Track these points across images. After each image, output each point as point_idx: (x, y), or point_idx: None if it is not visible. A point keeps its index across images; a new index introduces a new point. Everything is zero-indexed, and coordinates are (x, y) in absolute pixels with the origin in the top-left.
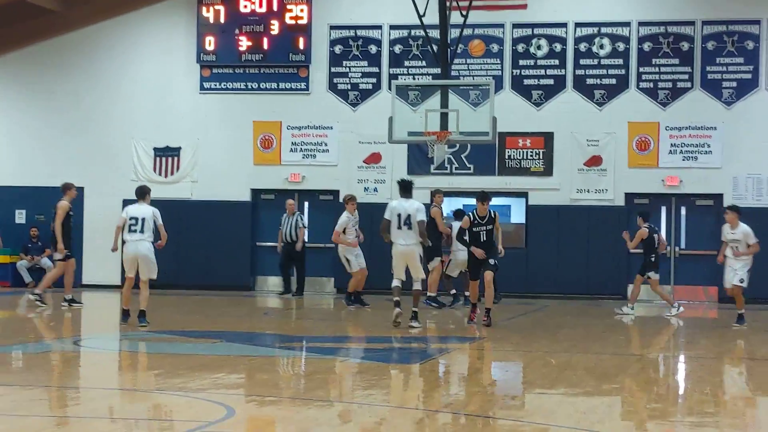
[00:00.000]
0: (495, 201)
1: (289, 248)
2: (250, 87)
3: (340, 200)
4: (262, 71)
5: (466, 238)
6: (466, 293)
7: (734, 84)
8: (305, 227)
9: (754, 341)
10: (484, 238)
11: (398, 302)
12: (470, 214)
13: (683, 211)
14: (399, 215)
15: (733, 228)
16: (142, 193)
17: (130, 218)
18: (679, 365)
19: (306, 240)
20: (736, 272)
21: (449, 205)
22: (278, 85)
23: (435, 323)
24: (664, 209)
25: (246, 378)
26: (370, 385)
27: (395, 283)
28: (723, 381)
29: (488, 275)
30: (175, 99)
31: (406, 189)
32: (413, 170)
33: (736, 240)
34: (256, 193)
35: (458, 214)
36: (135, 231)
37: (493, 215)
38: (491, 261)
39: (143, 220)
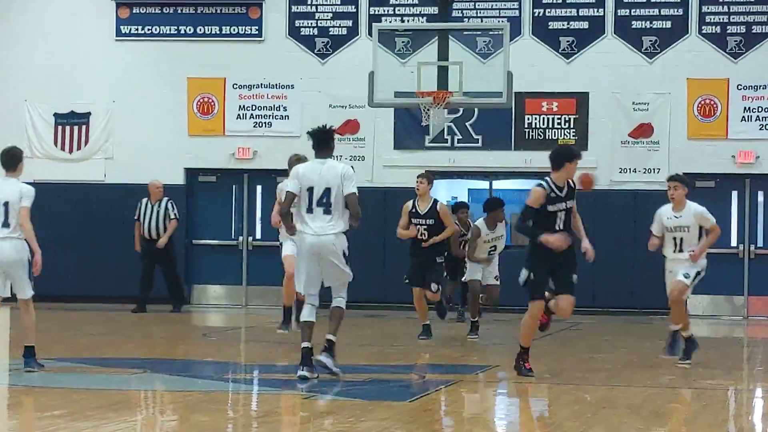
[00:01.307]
0: (512, 184)
1: (152, 246)
2: (183, 32)
3: None
4: (199, 11)
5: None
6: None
7: None
8: (177, 218)
9: None
10: (561, 225)
11: (308, 351)
12: (545, 182)
13: (760, 196)
14: (311, 188)
15: (678, 210)
16: (11, 159)
17: None
18: (755, 402)
19: (170, 237)
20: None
21: (449, 191)
22: (221, 30)
23: (432, 346)
24: (735, 194)
25: (178, 420)
26: (342, 430)
27: (305, 312)
28: None
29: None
30: (83, 49)
31: (322, 143)
32: (402, 143)
33: (682, 227)
34: (191, 174)
35: (459, 208)
36: None
37: (574, 185)
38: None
39: (6, 205)
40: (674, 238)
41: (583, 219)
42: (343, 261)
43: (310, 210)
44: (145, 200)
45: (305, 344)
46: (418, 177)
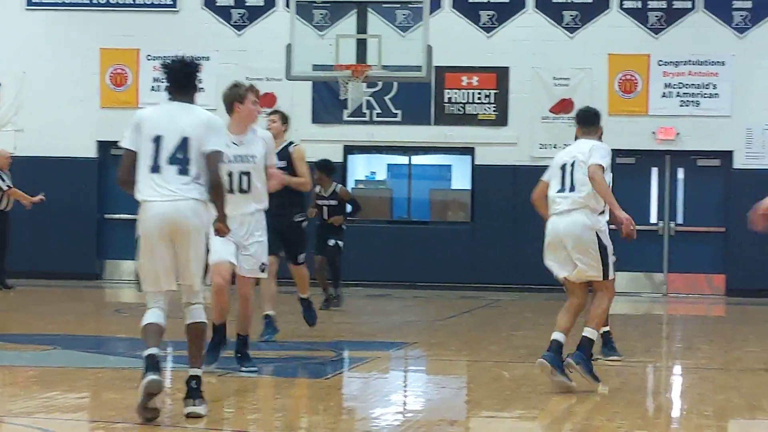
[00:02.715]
0: (431, 159)
1: None
2: (95, 2)
3: None
4: None
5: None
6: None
7: (749, 4)
8: (9, 189)
9: None
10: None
11: (155, 363)
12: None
13: (680, 173)
14: (158, 138)
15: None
16: None
17: None
18: (672, 379)
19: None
20: None
21: (368, 166)
22: (134, 0)
23: (348, 323)
24: (655, 171)
25: (90, 398)
26: (255, 408)
27: (150, 316)
28: (731, 399)
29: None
30: None
31: (183, 81)
32: (320, 117)
33: None
34: (104, 146)
35: (324, 168)
36: None
37: None
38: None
39: None
40: None
41: (504, 195)
42: (204, 244)
43: (156, 167)
44: None
45: (150, 351)
46: (269, 114)
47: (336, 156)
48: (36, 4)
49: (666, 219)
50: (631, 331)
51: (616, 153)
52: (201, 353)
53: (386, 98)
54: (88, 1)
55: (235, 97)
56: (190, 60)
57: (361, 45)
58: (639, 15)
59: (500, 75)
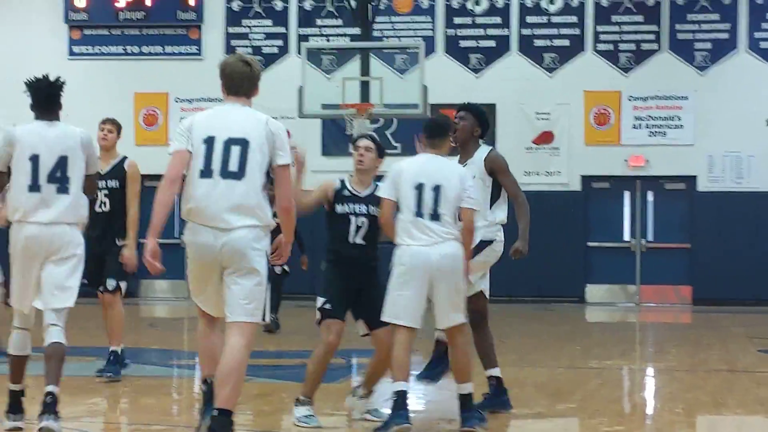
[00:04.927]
0: None
1: None
2: (129, 52)
3: None
4: (144, 33)
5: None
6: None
7: (708, 45)
8: None
9: (734, 350)
10: None
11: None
12: None
13: (650, 196)
14: (35, 158)
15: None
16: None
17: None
18: (646, 380)
19: None
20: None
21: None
22: (164, 50)
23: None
24: (627, 194)
25: (129, 403)
26: (276, 409)
27: (18, 342)
28: (698, 397)
29: None
30: (38, 67)
31: (49, 99)
32: (329, 150)
33: None
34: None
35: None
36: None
37: None
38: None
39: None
40: None
41: None
42: (73, 264)
43: (35, 187)
44: None
45: (16, 386)
46: (102, 123)
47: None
48: (77, 54)
49: (638, 236)
50: (608, 337)
51: (592, 179)
52: (59, 372)
53: (387, 133)
54: (124, 52)
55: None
56: (55, 79)
57: (365, 86)
58: (611, 56)
59: (488, 111)
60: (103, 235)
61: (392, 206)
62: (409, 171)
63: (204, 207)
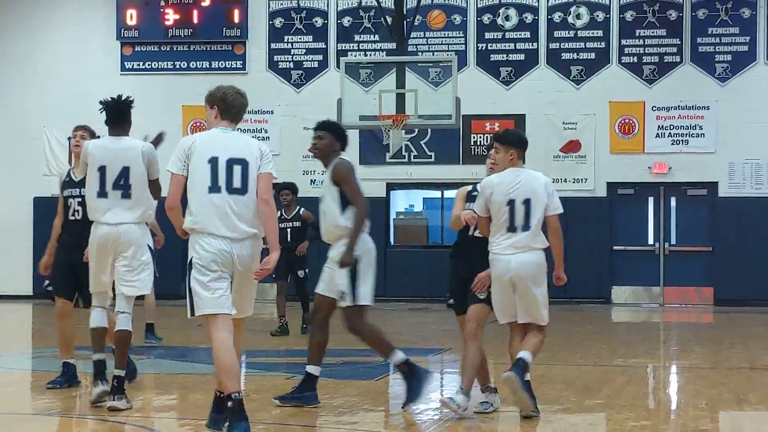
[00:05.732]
0: None
1: None
2: (178, 67)
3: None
4: (191, 48)
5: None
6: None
7: (729, 57)
8: None
9: (755, 349)
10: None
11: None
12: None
13: (673, 202)
14: (102, 168)
15: None
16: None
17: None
18: (670, 377)
19: None
20: None
21: (407, 200)
22: (210, 64)
23: (393, 333)
24: (651, 200)
25: (178, 399)
26: (319, 406)
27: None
28: (720, 394)
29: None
30: (93, 81)
31: (118, 117)
32: (366, 160)
33: None
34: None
35: (290, 188)
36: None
37: None
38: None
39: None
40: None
41: None
42: (144, 259)
43: (103, 191)
44: None
45: (99, 356)
46: (75, 131)
47: (380, 192)
48: (129, 70)
49: (661, 240)
50: (633, 336)
51: (617, 185)
52: (124, 356)
53: (422, 142)
54: (173, 67)
55: None
56: (125, 98)
57: (400, 98)
58: (635, 68)
59: (518, 121)
60: (76, 244)
61: (487, 222)
62: (500, 187)
63: (216, 219)
